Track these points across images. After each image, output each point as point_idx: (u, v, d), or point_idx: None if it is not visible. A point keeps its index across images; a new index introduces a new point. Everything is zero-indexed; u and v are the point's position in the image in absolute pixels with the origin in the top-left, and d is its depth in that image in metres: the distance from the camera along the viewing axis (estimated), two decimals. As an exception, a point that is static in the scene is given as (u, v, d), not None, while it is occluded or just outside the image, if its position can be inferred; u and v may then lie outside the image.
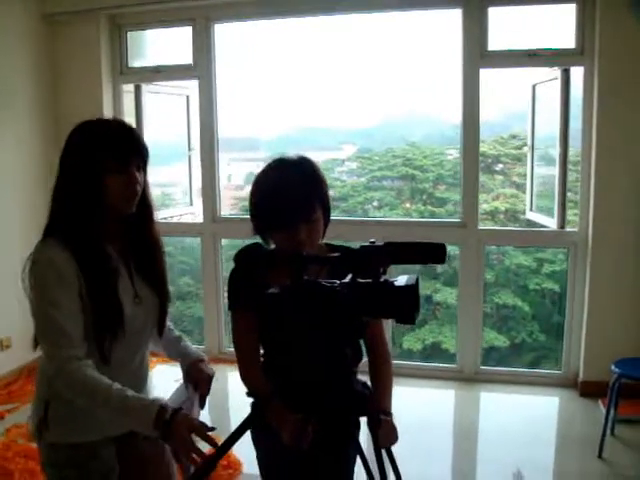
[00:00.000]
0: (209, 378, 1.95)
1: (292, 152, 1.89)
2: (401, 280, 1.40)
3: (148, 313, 1.89)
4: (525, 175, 9.56)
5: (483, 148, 10.33)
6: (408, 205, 10.97)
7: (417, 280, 1.40)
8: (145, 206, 1.86)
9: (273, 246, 1.88)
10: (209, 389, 1.94)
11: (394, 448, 1.77)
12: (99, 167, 1.72)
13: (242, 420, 1.66)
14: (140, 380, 1.97)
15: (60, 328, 1.67)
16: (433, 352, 9.22)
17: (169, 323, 2.03)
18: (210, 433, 1.65)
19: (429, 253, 1.41)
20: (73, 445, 1.74)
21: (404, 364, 5.09)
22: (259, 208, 1.84)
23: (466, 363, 4.81)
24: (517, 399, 4.57)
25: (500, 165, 10.94)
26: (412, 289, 1.38)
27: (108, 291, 1.75)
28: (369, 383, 1.94)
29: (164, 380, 2.10)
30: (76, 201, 1.74)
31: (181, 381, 1.99)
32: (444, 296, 9.84)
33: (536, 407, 4.45)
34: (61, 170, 1.80)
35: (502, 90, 8.61)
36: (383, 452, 1.67)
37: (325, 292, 1.45)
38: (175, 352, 2.04)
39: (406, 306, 1.39)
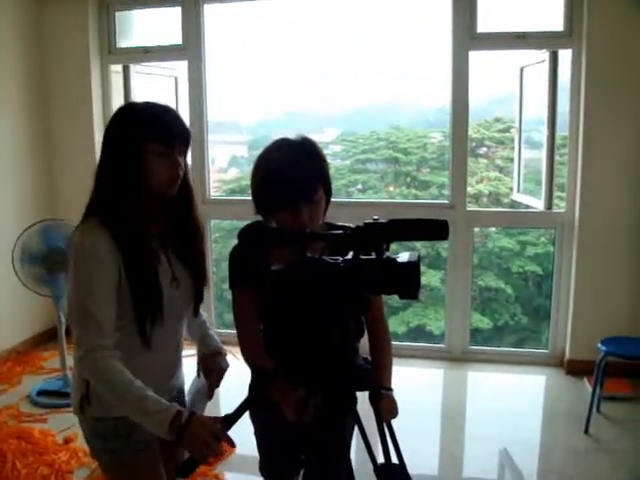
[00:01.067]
0: (221, 371, 1.97)
1: (293, 133, 1.88)
2: (403, 257, 1.42)
3: (185, 296, 1.90)
4: (509, 158, 9.65)
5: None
6: (392, 188, 11.01)
7: (419, 257, 1.42)
8: (186, 189, 1.87)
9: (275, 225, 1.89)
10: (219, 382, 1.96)
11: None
12: (144, 150, 1.73)
13: (243, 399, 1.68)
14: (176, 363, 2.00)
15: (92, 316, 1.68)
16: (418, 334, 9.30)
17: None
18: None
19: (433, 229, 1.43)
20: (116, 418, 1.76)
21: (395, 345, 5.13)
22: (261, 188, 1.85)
23: (454, 343, 4.87)
24: (504, 378, 4.64)
25: (484, 149, 11.00)
26: (415, 265, 1.40)
27: (148, 274, 1.75)
28: (369, 359, 1.96)
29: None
30: (119, 182, 1.74)
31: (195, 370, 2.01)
32: (428, 279, 9.90)
33: (523, 386, 4.52)
34: (104, 151, 1.80)
35: (487, 74, 8.65)
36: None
37: (328, 268, 1.46)
38: (197, 337, 2.05)
39: (409, 282, 1.41)
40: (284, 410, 1.76)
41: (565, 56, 4.41)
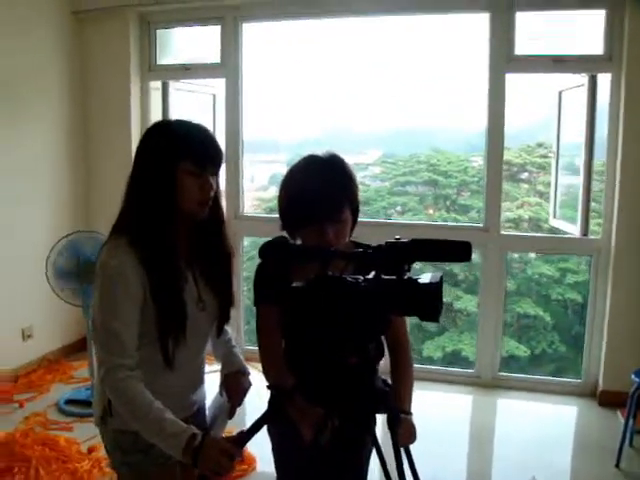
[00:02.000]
0: (244, 391, 1.96)
1: (323, 150, 1.87)
2: (425, 278, 1.39)
3: (210, 317, 1.90)
4: (550, 184, 9.53)
5: (508, 156, 10.31)
6: (431, 211, 10.95)
7: (441, 278, 1.39)
8: (217, 211, 1.86)
9: (300, 242, 1.88)
10: (241, 401, 1.95)
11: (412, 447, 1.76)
12: (176, 169, 1.72)
13: (260, 415, 1.67)
14: (198, 380, 2.00)
15: (116, 335, 1.68)
16: (453, 359, 9.20)
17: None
18: None
19: (455, 250, 1.41)
20: (136, 431, 1.75)
21: (422, 368, 5.10)
22: (288, 205, 1.85)
23: (484, 369, 4.78)
24: (535, 406, 4.53)
25: (525, 174, 10.90)
26: (436, 287, 1.37)
27: (173, 295, 1.75)
28: (389, 381, 1.93)
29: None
30: (149, 201, 1.73)
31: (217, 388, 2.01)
32: (464, 303, 9.81)
33: (554, 415, 4.41)
34: (135, 167, 1.80)
35: (529, 97, 8.58)
36: (402, 451, 1.65)
37: (349, 287, 1.44)
38: (221, 354, 2.04)
39: (430, 304, 1.38)
40: (301, 429, 1.74)
41: (605, 80, 4.34)
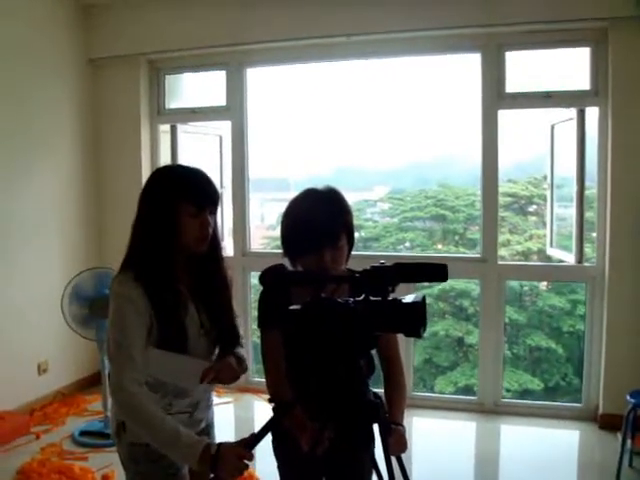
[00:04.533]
0: (233, 371, 2.05)
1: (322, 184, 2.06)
2: (409, 298, 1.54)
3: (211, 341, 2.06)
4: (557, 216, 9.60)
5: (515, 189, 10.43)
6: (440, 246, 11.02)
7: (424, 298, 1.55)
8: (215, 246, 2.05)
9: (300, 268, 2.03)
10: (227, 380, 2.04)
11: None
12: (177, 210, 1.92)
13: (266, 421, 1.77)
14: (204, 402, 2.13)
15: (128, 353, 1.86)
16: (466, 395, 9.16)
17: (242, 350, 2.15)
18: None
19: (433, 272, 1.56)
20: (147, 443, 1.90)
21: (429, 396, 5.20)
22: (289, 234, 2.03)
23: (486, 396, 4.87)
24: (537, 432, 4.61)
25: (534, 206, 10.97)
26: (418, 306, 1.52)
27: (175, 322, 1.93)
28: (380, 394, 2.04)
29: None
30: (152, 239, 1.93)
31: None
32: (476, 338, 9.80)
33: (556, 439, 4.48)
34: (140, 209, 1.98)
35: (531, 131, 8.75)
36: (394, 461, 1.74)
37: (339, 308, 1.59)
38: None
39: (413, 321, 1.52)
40: (299, 440, 1.86)
41: (593, 113, 4.52)
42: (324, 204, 1.99)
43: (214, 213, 2.01)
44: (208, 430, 2.19)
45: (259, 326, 2.09)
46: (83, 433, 4.42)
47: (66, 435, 4.43)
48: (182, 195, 1.92)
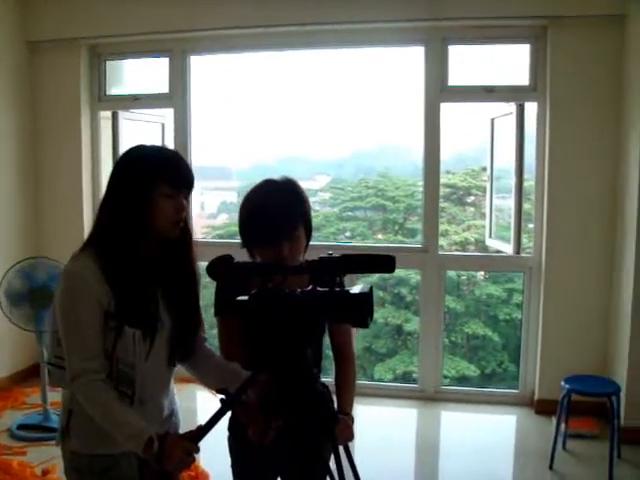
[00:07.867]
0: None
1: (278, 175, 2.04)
2: (356, 288, 1.55)
3: (166, 338, 1.93)
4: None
5: (454, 180, 10.59)
6: (380, 236, 11.12)
7: (371, 289, 1.55)
8: (185, 233, 1.93)
9: (258, 260, 2.00)
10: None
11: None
12: (151, 188, 1.81)
13: (213, 413, 1.72)
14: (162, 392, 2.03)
15: (79, 339, 1.76)
16: (404, 382, 9.31)
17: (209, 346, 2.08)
18: None
19: (380, 263, 1.57)
20: (91, 455, 1.84)
21: (370, 384, 5.27)
22: (246, 225, 2.00)
23: (427, 383, 4.98)
24: (476, 417, 4.74)
25: (472, 197, 11.18)
26: (365, 296, 1.53)
27: (138, 309, 1.82)
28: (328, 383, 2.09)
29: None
30: (122, 217, 1.81)
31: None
32: (414, 326, 9.94)
33: (494, 424, 4.63)
34: (112, 188, 1.87)
35: (472, 123, 8.93)
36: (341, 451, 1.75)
37: (286, 298, 1.60)
38: (211, 368, 2.05)
39: (360, 312, 1.53)
40: (248, 430, 1.84)
41: (532, 108, 4.65)
42: (280, 195, 1.98)
43: (188, 199, 1.91)
44: (172, 415, 2.08)
45: (215, 314, 2.08)
46: (21, 427, 4.30)
47: (3, 429, 4.30)
48: (158, 174, 1.81)
